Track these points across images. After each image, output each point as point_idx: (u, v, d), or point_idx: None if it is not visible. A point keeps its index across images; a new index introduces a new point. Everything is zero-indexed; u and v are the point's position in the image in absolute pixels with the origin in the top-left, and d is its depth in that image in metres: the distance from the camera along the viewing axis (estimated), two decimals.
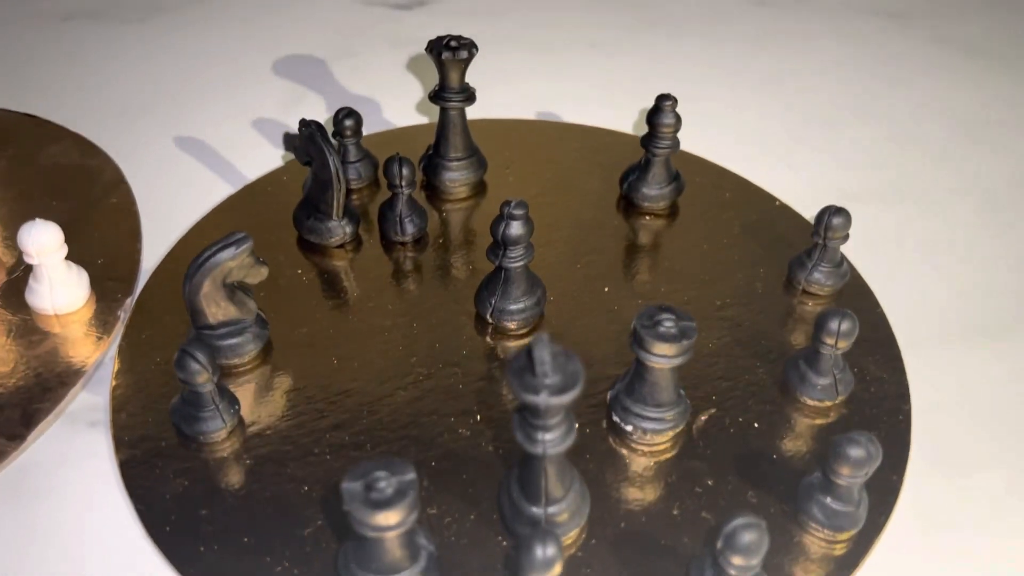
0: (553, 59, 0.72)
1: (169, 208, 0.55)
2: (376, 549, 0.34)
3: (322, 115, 0.64)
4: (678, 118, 0.52)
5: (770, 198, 0.57)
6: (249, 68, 0.68)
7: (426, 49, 0.52)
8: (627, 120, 0.65)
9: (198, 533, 0.38)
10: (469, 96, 0.53)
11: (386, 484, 0.32)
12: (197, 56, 0.70)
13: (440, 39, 0.52)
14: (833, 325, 0.42)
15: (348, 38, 0.73)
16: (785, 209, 0.56)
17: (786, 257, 0.52)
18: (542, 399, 0.32)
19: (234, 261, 0.42)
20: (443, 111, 0.54)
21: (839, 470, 0.37)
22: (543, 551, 0.32)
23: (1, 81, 0.66)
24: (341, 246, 0.52)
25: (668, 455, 0.41)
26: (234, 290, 0.44)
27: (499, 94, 0.66)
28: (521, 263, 0.45)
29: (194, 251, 0.43)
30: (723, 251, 0.53)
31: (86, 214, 0.53)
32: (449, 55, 0.51)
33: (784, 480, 0.40)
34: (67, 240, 0.47)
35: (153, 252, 0.52)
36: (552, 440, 0.34)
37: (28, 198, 0.54)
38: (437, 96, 0.53)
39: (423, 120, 0.64)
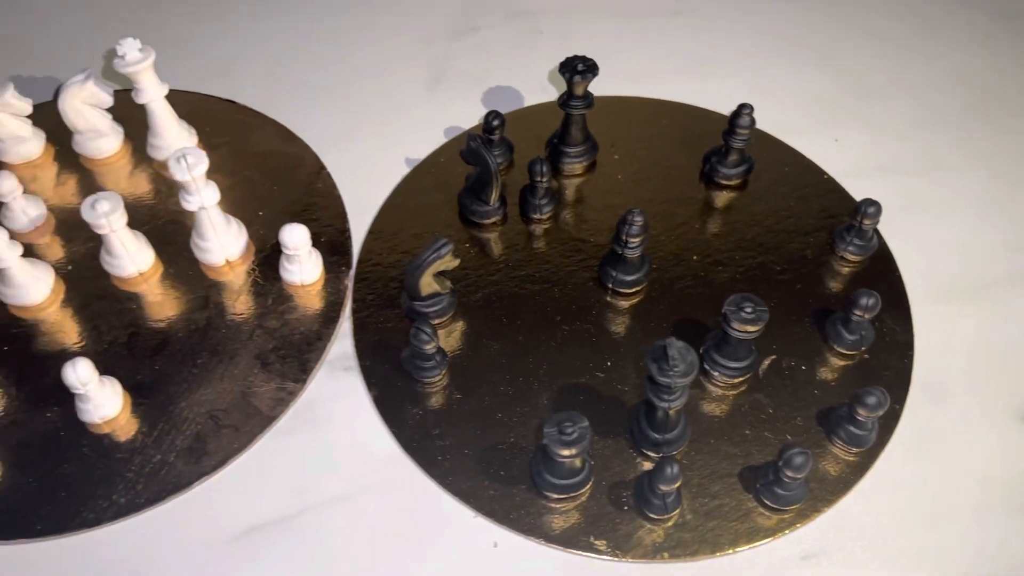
0: (636, 27, 0.85)
1: (360, 187, 0.71)
2: (561, 466, 0.54)
3: (463, 91, 0.79)
4: (753, 121, 0.67)
5: (819, 171, 0.73)
6: (393, 49, 0.83)
7: (559, 69, 0.67)
8: (698, 88, 0.79)
9: (435, 446, 0.58)
10: (589, 104, 0.68)
11: (572, 430, 0.52)
12: (347, 38, 0.84)
13: (571, 61, 0.67)
14: (863, 302, 0.59)
15: (470, 15, 0.86)
16: (831, 182, 0.72)
17: (829, 226, 0.68)
18: (672, 381, 0.51)
19: (441, 260, 0.60)
20: (568, 114, 0.69)
21: (859, 411, 0.56)
22: (671, 470, 0.52)
23: (191, 64, 0.81)
24: (493, 223, 0.69)
25: (742, 391, 0.60)
26: (438, 274, 0.62)
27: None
28: (638, 251, 0.62)
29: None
30: (782, 221, 0.69)
31: (301, 199, 0.70)
32: (579, 78, 0.66)
33: (822, 409, 0.59)
34: None
35: (356, 229, 0.69)
36: (674, 402, 0.53)
37: (251, 184, 0.71)
38: (565, 104, 0.68)
39: (541, 97, 0.79)
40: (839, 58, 0.82)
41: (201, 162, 0.59)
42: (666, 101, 0.78)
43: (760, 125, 0.75)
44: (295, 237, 0.62)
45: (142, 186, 0.71)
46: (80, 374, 0.55)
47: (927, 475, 0.57)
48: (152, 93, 0.68)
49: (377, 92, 0.79)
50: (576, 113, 0.68)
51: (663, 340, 0.52)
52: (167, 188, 0.71)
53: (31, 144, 0.72)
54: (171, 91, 0.70)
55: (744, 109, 0.67)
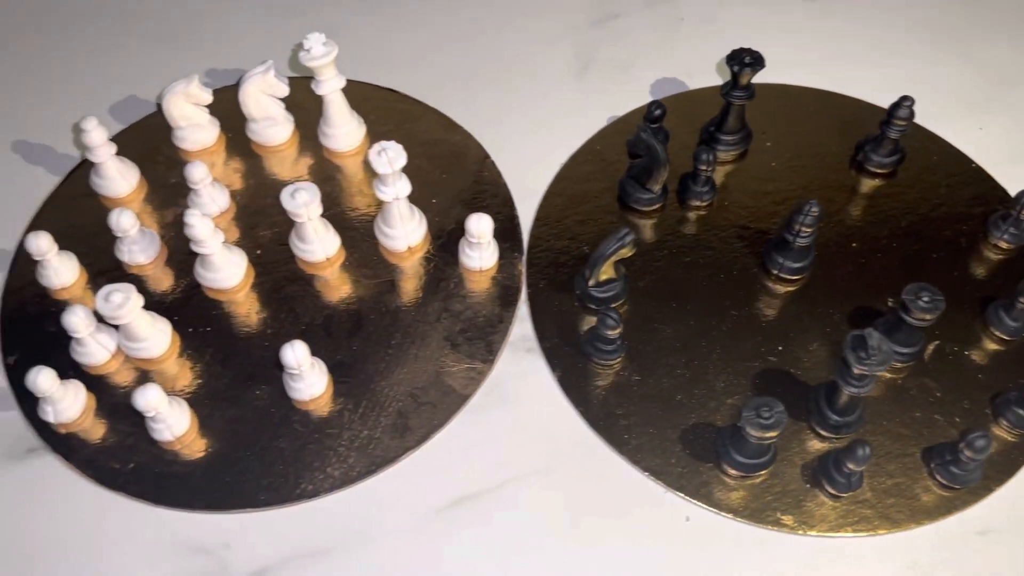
0: (774, 12, 0.86)
1: (522, 175, 0.74)
2: (752, 446, 0.57)
3: (611, 79, 0.81)
4: (912, 113, 0.69)
5: (966, 159, 0.75)
6: (539, 37, 0.85)
7: (727, 60, 0.69)
8: (838, 75, 0.81)
9: (620, 425, 0.62)
10: (751, 95, 0.70)
11: (770, 414, 0.55)
12: (492, 24, 0.86)
13: (739, 54, 0.69)
14: None
15: (608, 2, 0.88)
16: (979, 170, 0.74)
17: (980, 214, 0.71)
18: (870, 370, 0.54)
19: (624, 249, 0.63)
20: (729, 103, 0.71)
21: None
22: (863, 451, 0.55)
23: (349, 52, 0.83)
24: (654, 210, 0.72)
25: (908, 375, 0.63)
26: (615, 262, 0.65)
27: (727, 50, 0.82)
28: (809, 241, 0.65)
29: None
30: (934, 209, 0.72)
31: (470, 187, 0.73)
32: (747, 70, 0.68)
33: (987, 392, 0.62)
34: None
35: (523, 215, 0.72)
36: (864, 389, 0.56)
37: (422, 173, 0.74)
38: (728, 93, 0.71)
39: (688, 83, 0.81)
40: (978, 44, 0.84)
41: (401, 156, 0.63)
42: (811, 88, 0.80)
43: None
44: (481, 226, 0.65)
45: (313, 172, 0.75)
46: (299, 355, 0.59)
47: None
48: (332, 85, 0.71)
49: (527, 80, 0.81)
50: (738, 103, 0.71)
51: (861, 330, 0.55)
52: (339, 175, 0.75)
53: (208, 132, 0.75)
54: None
55: (905, 101, 0.69)
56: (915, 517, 0.58)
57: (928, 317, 0.60)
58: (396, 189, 0.64)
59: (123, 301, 0.60)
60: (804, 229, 0.64)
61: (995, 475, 0.59)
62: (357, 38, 0.85)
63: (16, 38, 0.87)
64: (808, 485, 0.59)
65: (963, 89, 0.80)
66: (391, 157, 0.62)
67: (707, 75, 0.81)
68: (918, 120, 0.76)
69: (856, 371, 0.55)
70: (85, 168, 0.74)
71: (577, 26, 0.86)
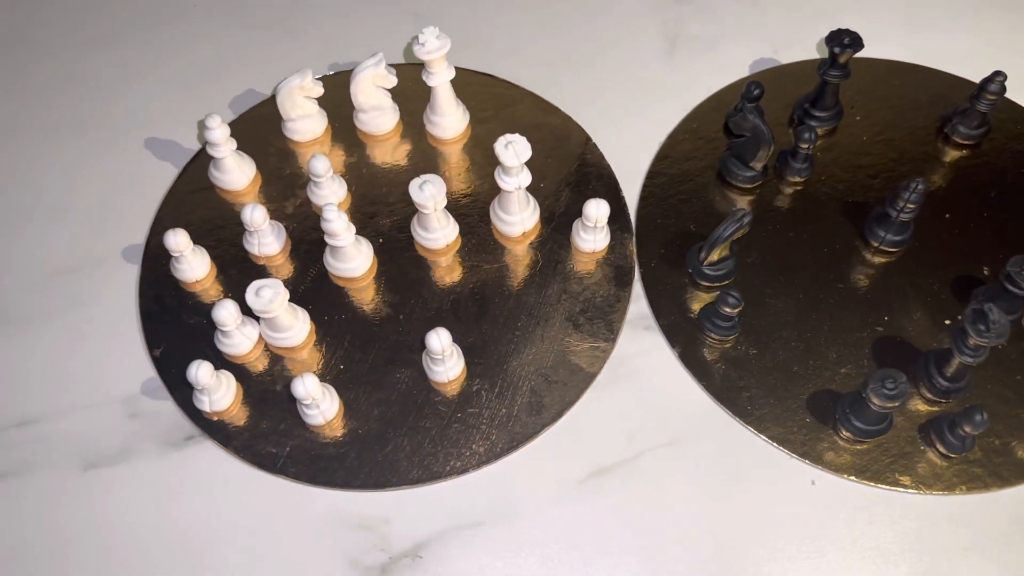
0: None
1: (623, 156, 0.77)
2: (875, 414, 0.61)
3: (698, 57, 0.84)
4: (1004, 88, 0.72)
5: None
6: (624, 14, 0.87)
7: (826, 41, 0.72)
8: (916, 45, 0.83)
9: (742, 397, 0.66)
10: (847, 75, 0.73)
11: (894, 386, 0.59)
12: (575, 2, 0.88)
13: (839, 35, 0.71)
14: None
15: None
16: None
17: None
18: (989, 342, 0.58)
19: (741, 231, 0.66)
20: (825, 81, 0.74)
21: None
22: (981, 416, 0.59)
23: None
24: (756, 186, 0.75)
25: (1010, 341, 0.66)
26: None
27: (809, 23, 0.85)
28: (912, 215, 0.68)
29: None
30: (1022, 178, 0.75)
31: (575, 170, 0.76)
32: (849, 51, 0.71)
33: None
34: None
35: (628, 196, 0.75)
36: (980, 359, 0.60)
37: (532, 159, 0.76)
38: (826, 73, 0.73)
39: (774, 59, 0.83)
40: None
41: (527, 149, 0.65)
42: (894, 61, 0.82)
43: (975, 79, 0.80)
44: (600, 211, 0.68)
45: (419, 159, 0.78)
46: (443, 341, 0.63)
47: None
48: (443, 77, 0.73)
49: (617, 60, 0.84)
50: (834, 82, 0.73)
51: (980, 303, 0.59)
52: (443, 162, 0.77)
53: (317, 122, 0.78)
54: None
55: (997, 76, 0.72)
56: (1023, 474, 0.63)
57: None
58: (519, 179, 0.67)
59: (273, 296, 0.64)
60: (909, 205, 0.67)
61: None
62: (444, 21, 0.87)
63: (133, 30, 0.89)
64: (922, 447, 0.64)
65: None
66: (518, 151, 0.65)
67: (792, 48, 0.83)
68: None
69: (973, 342, 0.59)
70: (201, 160, 0.77)
71: (660, 2, 0.88)
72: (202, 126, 0.71)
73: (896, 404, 0.60)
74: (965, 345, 0.60)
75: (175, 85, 0.84)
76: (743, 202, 0.75)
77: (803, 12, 0.86)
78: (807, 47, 0.83)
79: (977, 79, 0.79)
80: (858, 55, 0.81)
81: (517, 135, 0.66)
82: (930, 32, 0.85)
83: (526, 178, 0.68)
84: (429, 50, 0.71)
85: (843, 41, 0.71)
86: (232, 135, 0.76)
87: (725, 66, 0.82)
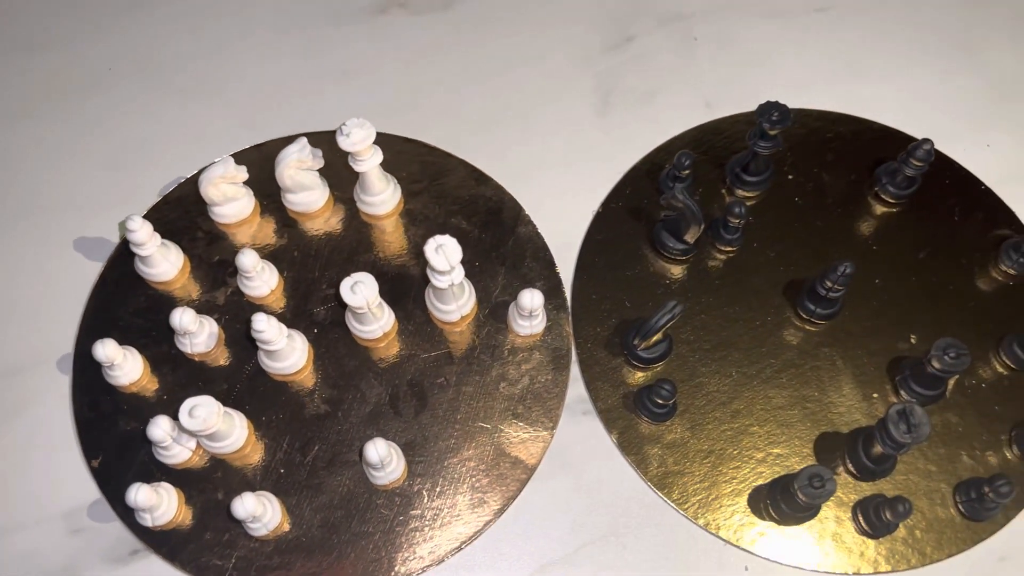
0: (787, 26, 0.87)
1: (556, 225, 0.76)
2: (802, 508, 0.63)
3: (633, 113, 0.82)
4: (932, 155, 0.72)
5: (976, 181, 0.79)
6: (556, 69, 0.85)
7: (756, 114, 0.71)
8: (852, 92, 0.83)
9: (678, 483, 0.67)
10: (778, 146, 0.73)
11: (820, 483, 0.61)
12: (507, 60, 0.86)
13: (767, 109, 0.71)
14: None
15: (621, 23, 0.87)
16: (989, 193, 0.78)
17: (993, 240, 0.75)
18: (910, 443, 0.60)
19: (674, 321, 0.67)
20: (755, 154, 0.74)
21: None
22: (903, 507, 0.61)
23: (372, 100, 0.83)
24: (689, 258, 0.75)
25: (934, 413, 0.69)
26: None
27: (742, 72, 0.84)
28: (840, 294, 0.69)
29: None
30: (948, 238, 0.76)
31: (510, 246, 0.76)
32: (775, 127, 0.70)
33: (1006, 423, 0.68)
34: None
35: (563, 269, 0.75)
36: (901, 452, 0.62)
37: (463, 234, 0.75)
38: (756, 144, 0.73)
39: (706, 114, 0.82)
40: (986, 56, 0.86)
41: (457, 251, 0.65)
42: (826, 112, 0.82)
43: (914, 132, 0.80)
44: (535, 301, 0.68)
45: (352, 236, 0.76)
46: (381, 452, 0.63)
47: None
48: (371, 163, 0.71)
49: (551, 118, 0.82)
50: (764, 154, 0.73)
51: (902, 404, 0.61)
52: (379, 238, 0.76)
53: (244, 204, 0.76)
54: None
55: (925, 144, 0.72)
56: (943, 549, 0.66)
57: (955, 372, 0.65)
58: (452, 277, 0.67)
59: (207, 415, 0.63)
60: (836, 287, 0.68)
61: (1013, 504, 0.67)
62: (374, 82, 0.85)
63: (41, 106, 0.85)
64: (851, 528, 0.66)
65: (971, 104, 0.83)
66: (448, 254, 0.64)
67: (729, 101, 0.82)
68: (927, 133, 0.79)
69: (899, 441, 0.61)
70: (126, 251, 0.75)
71: (593, 52, 0.86)
72: (123, 227, 0.69)
73: (822, 500, 0.62)
74: (888, 438, 0.62)
75: (94, 164, 0.81)
76: (677, 271, 0.75)
77: (740, 62, 0.84)
78: (744, 100, 0.82)
79: (911, 129, 0.80)
80: (793, 106, 0.81)
81: (447, 237, 0.65)
82: (866, 82, 0.84)
83: (459, 275, 0.67)
84: (354, 142, 0.69)
85: (772, 116, 0.71)
86: (157, 218, 0.74)
87: (659, 122, 0.81)
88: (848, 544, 0.65)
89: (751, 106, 0.81)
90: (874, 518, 0.65)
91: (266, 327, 0.65)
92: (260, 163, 0.77)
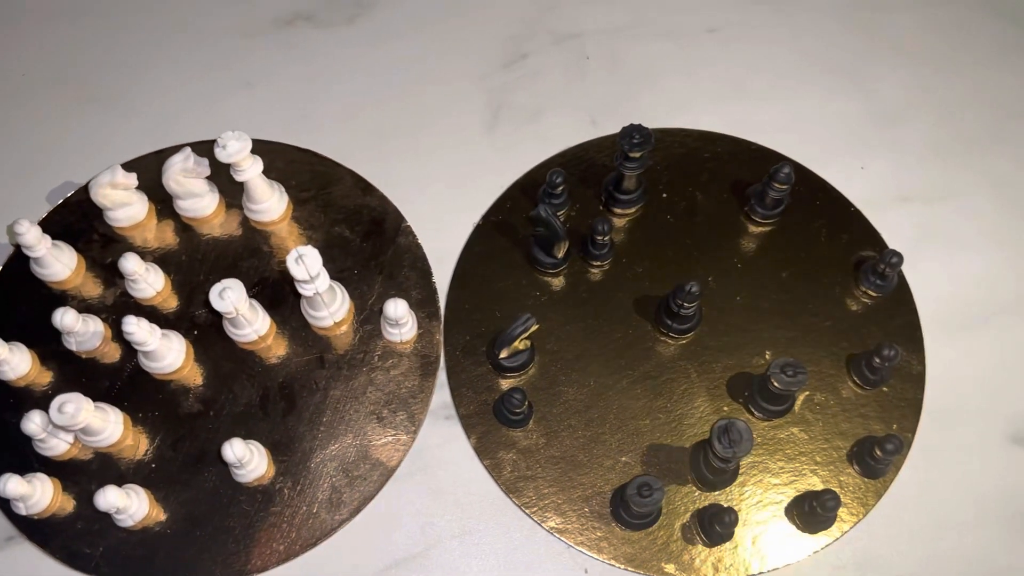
0: (679, 46, 0.90)
1: (437, 237, 0.79)
2: (638, 515, 0.66)
3: (520, 129, 0.85)
4: (791, 178, 0.75)
5: (846, 202, 0.81)
6: (451, 83, 0.88)
7: (618, 138, 0.74)
8: (736, 112, 0.85)
9: (529, 487, 0.70)
10: (643, 165, 0.75)
11: (649, 492, 0.64)
12: (405, 72, 0.89)
13: (628, 133, 0.73)
14: (885, 353, 0.70)
15: (518, 40, 0.90)
16: (857, 214, 0.80)
17: (856, 260, 0.78)
18: (732, 457, 0.63)
19: (527, 332, 0.70)
20: (622, 175, 0.76)
21: (877, 452, 0.67)
22: (729, 517, 0.64)
23: (267, 110, 0.86)
24: (560, 271, 0.78)
25: (781, 426, 0.72)
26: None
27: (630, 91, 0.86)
28: (692, 311, 0.72)
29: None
30: (814, 257, 0.78)
31: (390, 255, 0.79)
32: (637, 149, 0.73)
33: (848, 440, 0.71)
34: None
35: (439, 279, 0.78)
36: (730, 465, 0.65)
37: (344, 242, 0.79)
38: (621, 164, 0.75)
39: (593, 131, 0.85)
40: (867, 82, 0.88)
41: (317, 261, 0.68)
42: (707, 132, 0.84)
43: (792, 153, 0.82)
44: (399, 310, 0.71)
45: (241, 241, 0.80)
46: (237, 452, 0.66)
47: (934, 494, 0.70)
48: (251, 172, 0.75)
49: (440, 133, 0.85)
50: (630, 174, 0.76)
51: (726, 419, 0.64)
52: (266, 243, 0.80)
53: (137, 208, 0.79)
54: (254, 142, 0.76)
55: (784, 168, 0.75)
56: (782, 558, 0.68)
57: (792, 390, 0.68)
58: (316, 285, 0.70)
59: (75, 411, 0.67)
60: (687, 305, 0.71)
61: (848, 517, 0.69)
62: (275, 94, 0.88)
63: None
64: (688, 536, 0.69)
65: (850, 127, 0.85)
66: (308, 264, 0.68)
67: (614, 119, 0.85)
68: (803, 160, 0.82)
69: (721, 455, 0.64)
70: (22, 254, 0.79)
71: (491, 69, 0.89)
72: (11, 231, 0.73)
73: (650, 508, 0.65)
74: (715, 453, 0.65)
75: None
76: (552, 283, 0.78)
77: (629, 81, 0.87)
78: (629, 117, 0.84)
79: (790, 150, 0.82)
80: (672, 126, 0.84)
81: (308, 248, 0.68)
82: (750, 103, 0.86)
83: (323, 283, 0.70)
84: (231, 153, 0.72)
85: (633, 139, 0.73)
86: (53, 222, 0.78)
87: (544, 139, 0.84)
88: (685, 553, 0.68)
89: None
90: (708, 528, 0.68)
91: (136, 329, 0.69)
92: (159, 169, 0.80)
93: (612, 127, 0.84)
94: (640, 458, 0.71)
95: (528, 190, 0.82)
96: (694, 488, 0.70)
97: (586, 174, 0.82)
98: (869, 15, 0.92)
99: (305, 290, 0.70)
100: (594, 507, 0.70)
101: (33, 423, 0.68)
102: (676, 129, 0.84)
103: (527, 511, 0.70)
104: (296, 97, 0.88)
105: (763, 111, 0.86)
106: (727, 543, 0.68)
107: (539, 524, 0.70)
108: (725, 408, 0.73)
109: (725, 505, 0.67)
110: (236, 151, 0.73)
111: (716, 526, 0.66)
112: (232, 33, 0.91)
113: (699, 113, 0.85)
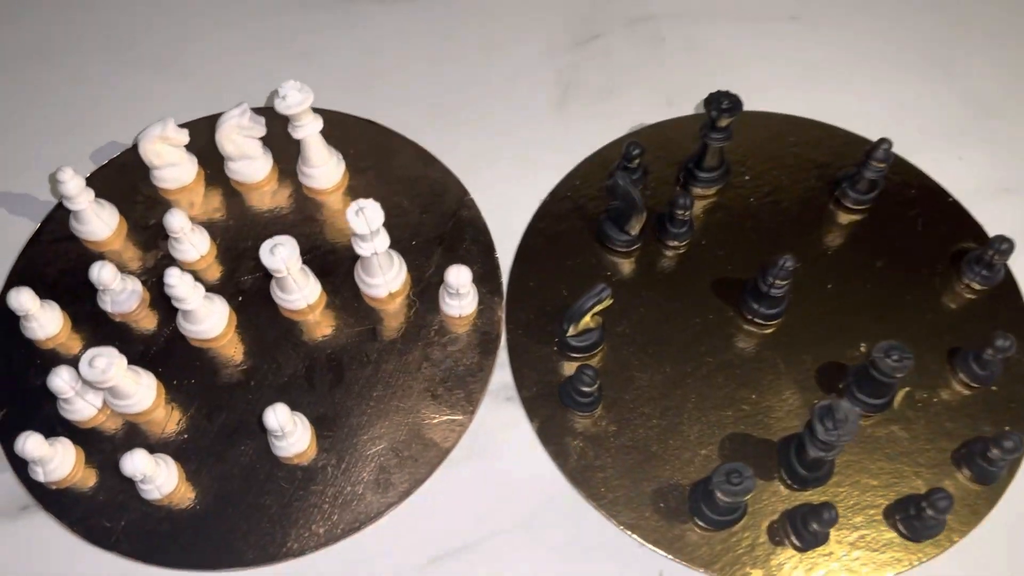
0: (757, 33, 0.85)
1: (501, 212, 0.74)
2: (723, 509, 0.59)
3: (591, 107, 0.81)
4: (890, 157, 0.69)
5: (944, 193, 0.75)
6: (519, 62, 0.84)
7: (704, 104, 0.69)
8: (820, 99, 0.80)
9: (597, 478, 0.63)
10: (729, 137, 0.70)
11: (738, 480, 0.57)
12: (473, 51, 0.85)
13: (716, 98, 0.68)
14: (999, 343, 0.63)
15: (589, 22, 0.86)
16: (955, 205, 0.74)
17: (955, 252, 0.71)
18: (836, 440, 0.56)
19: (601, 304, 0.64)
20: (706, 146, 0.71)
21: (994, 451, 0.60)
22: (829, 514, 0.57)
23: (328, 79, 0.82)
24: (632, 251, 0.72)
25: (879, 423, 0.65)
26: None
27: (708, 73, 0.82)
28: (783, 291, 0.66)
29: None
30: (910, 248, 0.72)
31: (450, 227, 0.73)
32: (723, 116, 0.68)
33: (954, 441, 0.64)
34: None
35: (502, 256, 0.73)
36: (832, 455, 0.58)
37: (402, 212, 0.74)
38: (706, 135, 0.70)
39: (668, 112, 0.80)
40: (961, 69, 0.83)
41: (378, 215, 0.63)
42: (792, 116, 0.79)
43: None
44: (461, 278, 0.65)
45: (294, 210, 0.75)
46: (281, 419, 0.60)
47: None
48: (309, 129, 0.70)
49: (508, 108, 0.81)
50: (715, 145, 0.71)
51: (829, 400, 0.57)
52: (319, 213, 0.75)
53: (186, 169, 0.75)
54: (312, 111, 0.72)
55: (883, 144, 0.69)
56: (879, 571, 0.60)
57: (897, 376, 0.61)
58: (375, 245, 0.65)
59: (107, 366, 0.61)
60: (779, 282, 0.65)
61: (957, 526, 0.62)
62: (335, 65, 0.84)
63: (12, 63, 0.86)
64: (777, 539, 0.61)
65: (945, 116, 0.80)
66: (369, 217, 0.62)
67: (688, 100, 0.80)
68: (897, 150, 0.76)
69: (824, 440, 0.57)
70: (64, 210, 0.74)
71: (558, 48, 0.85)
72: (54, 180, 0.69)
73: (740, 499, 0.58)
74: (816, 440, 0.58)
75: (26, 134, 0.81)
76: (622, 265, 0.72)
77: (703, 62, 0.83)
78: (701, 99, 0.80)
79: (876, 136, 0.77)
80: (754, 109, 0.79)
81: (369, 200, 0.63)
82: (837, 91, 0.81)
83: (382, 243, 0.65)
84: (290, 104, 0.68)
85: (721, 105, 0.68)
86: (98, 182, 0.73)
87: (616, 118, 0.79)
88: (773, 556, 0.60)
89: None
90: (800, 526, 0.60)
91: (178, 282, 0.63)
92: (209, 134, 0.76)
93: (689, 108, 0.80)
94: (721, 451, 0.64)
95: (600, 168, 0.76)
96: (782, 486, 0.63)
97: (661, 153, 0.77)
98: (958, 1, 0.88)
99: (363, 249, 0.65)
100: (670, 503, 0.63)
101: (61, 379, 0.62)
102: (759, 112, 0.79)
103: (595, 504, 0.63)
104: (355, 69, 0.84)
105: (851, 99, 0.80)
106: (821, 547, 0.60)
107: (608, 519, 0.62)
108: (815, 402, 0.66)
109: (822, 501, 0.60)
110: (297, 103, 0.68)
111: (812, 523, 0.58)
112: (293, 7, 0.88)
113: (780, 99, 0.80)
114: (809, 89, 0.81)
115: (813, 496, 0.62)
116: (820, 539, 0.60)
